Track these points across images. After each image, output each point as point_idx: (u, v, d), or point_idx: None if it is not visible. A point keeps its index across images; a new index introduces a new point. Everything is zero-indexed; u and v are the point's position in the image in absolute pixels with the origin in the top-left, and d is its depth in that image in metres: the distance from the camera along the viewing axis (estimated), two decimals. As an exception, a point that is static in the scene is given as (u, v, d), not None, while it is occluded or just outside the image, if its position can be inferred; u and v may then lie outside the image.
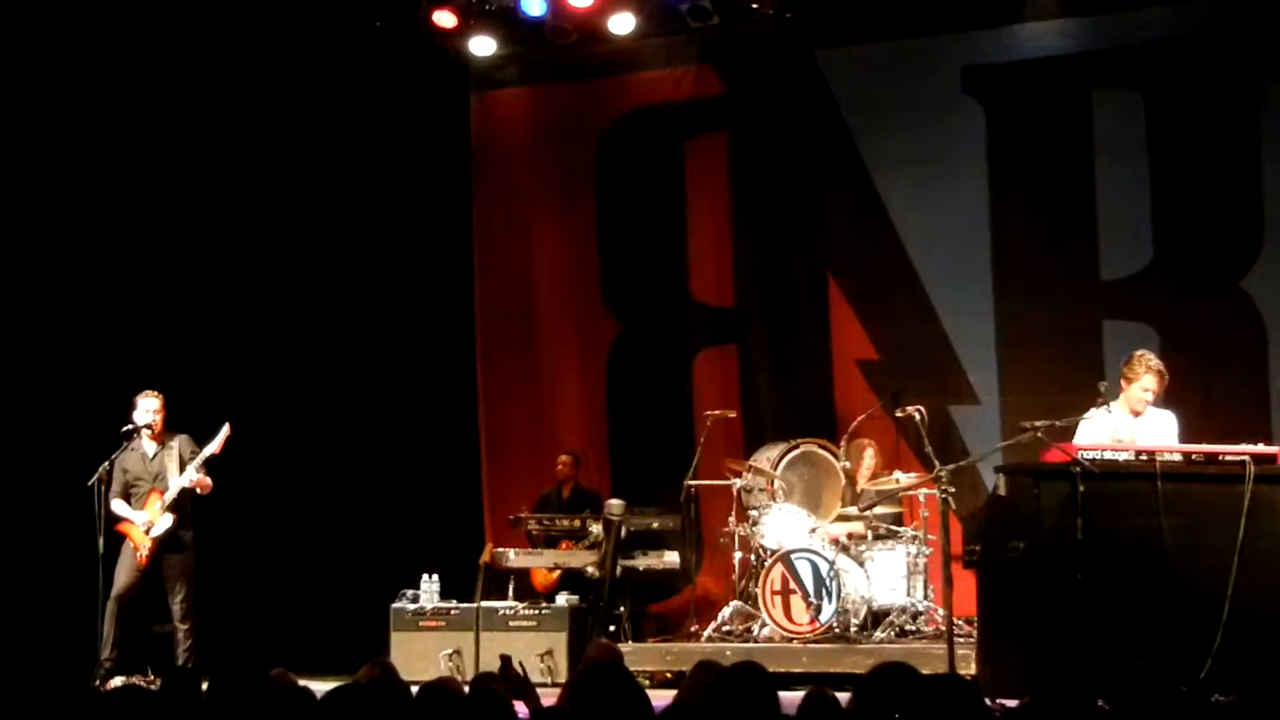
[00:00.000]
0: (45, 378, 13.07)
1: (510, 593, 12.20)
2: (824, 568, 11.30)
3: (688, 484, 12.15)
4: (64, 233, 13.17)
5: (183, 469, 11.23)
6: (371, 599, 12.25)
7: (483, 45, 14.00)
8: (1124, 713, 4.88)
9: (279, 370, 13.68)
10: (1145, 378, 9.62)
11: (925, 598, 11.45)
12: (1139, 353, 9.79)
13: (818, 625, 11.20)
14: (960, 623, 10.26)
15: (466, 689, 5.82)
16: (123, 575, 11.17)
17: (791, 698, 5.65)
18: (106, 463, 11.13)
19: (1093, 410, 9.50)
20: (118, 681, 10.43)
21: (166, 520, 11.22)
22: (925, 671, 5.60)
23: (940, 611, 10.54)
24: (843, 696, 5.49)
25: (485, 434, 14.25)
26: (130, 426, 11.28)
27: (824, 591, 11.25)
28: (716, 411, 12.62)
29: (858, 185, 13.22)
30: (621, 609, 11.97)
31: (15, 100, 12.85)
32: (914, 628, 11.34)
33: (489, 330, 14.37)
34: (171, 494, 11.22)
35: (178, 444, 11.34)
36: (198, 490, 11.27)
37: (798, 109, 13.46)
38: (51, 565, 12.25)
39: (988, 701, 7.50)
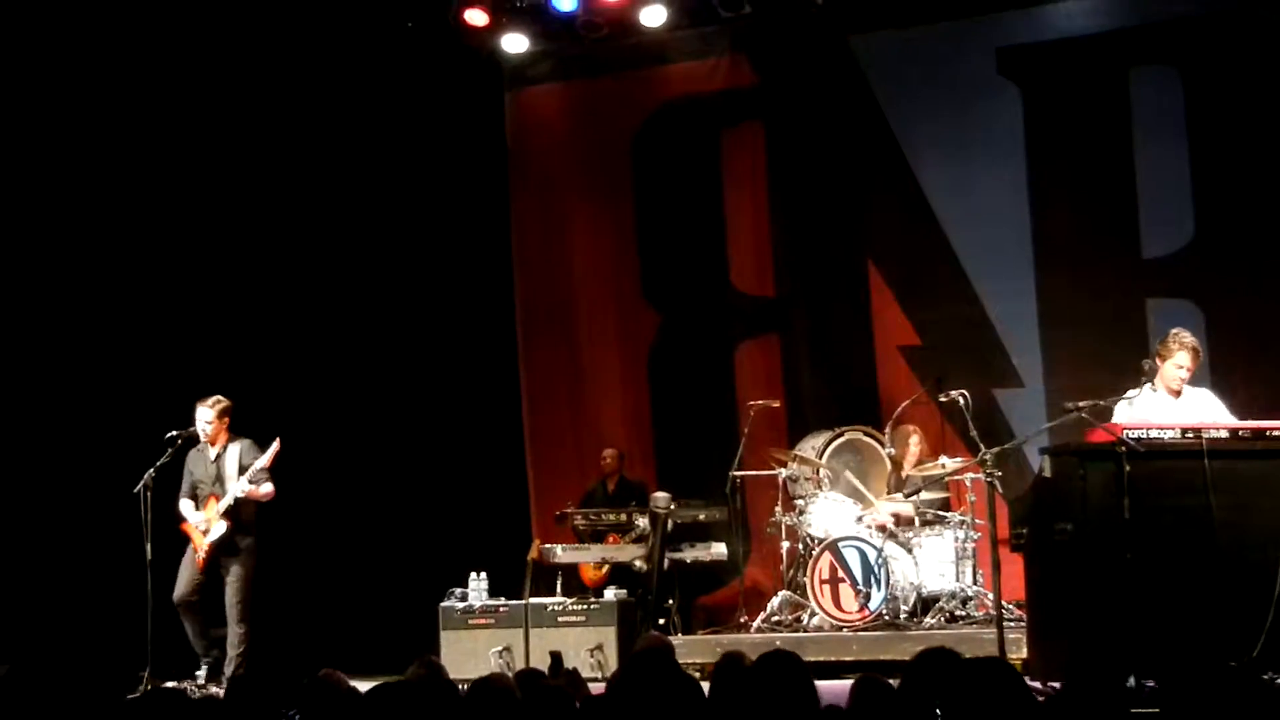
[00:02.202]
0: (102, 383, 13.19)
1: (558, 588, 12.22)
2: (872, 555, 11.29)
3: (733, 475, 12.14)
4: (121, 240, 13.32)
5: (240, 476, 11.30)
6: (420, 598, 12.28)
7: (515, 42, 14.01)
8: (1175, 691, 4.86)
9: (325, 373, 13.75)
10: (1179, 354, 9.52)
11: (974, 582, 11.41)
12: (1173, 330, 9.70)
13: (867, 613, 11.20)
14: (1010, 607, 10.24)
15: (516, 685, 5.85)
16: (183, 576, 11.32)
17: (842, 686, 5.65)
18: (152, 470, 11.13)
19: (1133, 390, 9.42)
20: (170, 685, 10.52)
21: (221, 526, 11.31)
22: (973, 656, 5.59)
23: (989, 596, 10.51)
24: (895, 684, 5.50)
25: (529, 430, 14.26)
26: (174, 433, 11.31)
27: (873, 579, 11.24)
28: (760, 401, 12.60)
29: (895, 170, 13.16)
30: (670, 602, 11.96)
31: (64, 104, 12.99)
32: (964, 613, 11.30)
33: (530, 327, 14.38)
34: (226, 501, 11.30)
35: (238, 450, 11.40)
36: (255, 499, 11.31)
37: (833, 95, 13.42)
38: (102, 571, 12.34)
39: (1038, 685, 7.57)
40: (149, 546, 11.00)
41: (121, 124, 13.20)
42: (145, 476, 11.10)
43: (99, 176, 13.26)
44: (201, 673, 11.14)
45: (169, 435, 11.32)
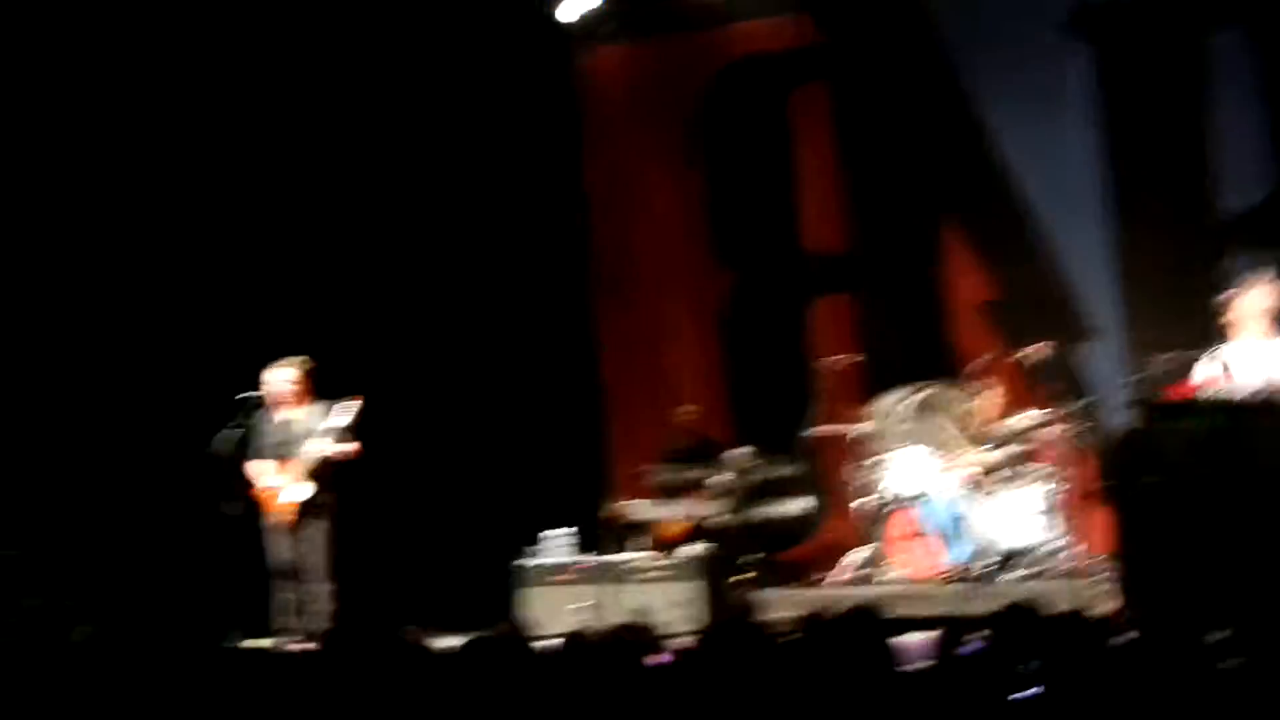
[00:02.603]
0: (185, 344, 13.25)
1: (639, 544, 12.21)
2: (953, 510, 11.27)
3: (811, 431, 12.12)
4: (200, 200, 13.35)
5: (322, 436, 11.27)
6: (500, 554, 12.26)
7: (582, 1, 13.98)
8: (1261, 645, 4.83)
9: (404, 334, 13.69)
10: (1254, 297, 9.41)
11: (1057, 536, 11.30)
12: (1248, 276, 9.61)
13: (947, 568, 11.18)
14: (1095, 560, 10.20)
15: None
16: (275, 547, 11.29)
17: (922, 640, 5.72)
18: (229, 430, 11.17)
19: (1216, 345, 9.35)
20: (265, 643, 10.55)
21: (303, 489, 11.27)
22: (1061, 610, 5.65)
23: (1074, 550, 10.43)
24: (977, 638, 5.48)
25: (608, 388, 14.23)
26: (248, 394, 11.30)
27: (953, 534, 11.23)
28: (837, 357, 12.57)
29: (967, 126, 13.08)
30: (749, 558, 11.94)
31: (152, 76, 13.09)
32: (1047, 567, 11.20)
33: (605, 284, 14.36)
34: (309, 462, 11.26)
35: (319, 411, 11.36)
36: (338, 458, 11.29)
37: (902, 53, 13.32)
38: (187, 531, 12.39)
39: (1124, 638, 7.52)
40: (229, 507, 11.06)
41: (203, 93, 13.29)
42: (224, 437, 11.15)
43: (182, 140, 13.32)
44: (278, 639, 11.06)
45: (243, 395, 11.30)
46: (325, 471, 11.33)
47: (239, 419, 11.26)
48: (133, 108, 13.14)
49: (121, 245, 13.25)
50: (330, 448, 11.23)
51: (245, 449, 11.27)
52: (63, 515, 12.87)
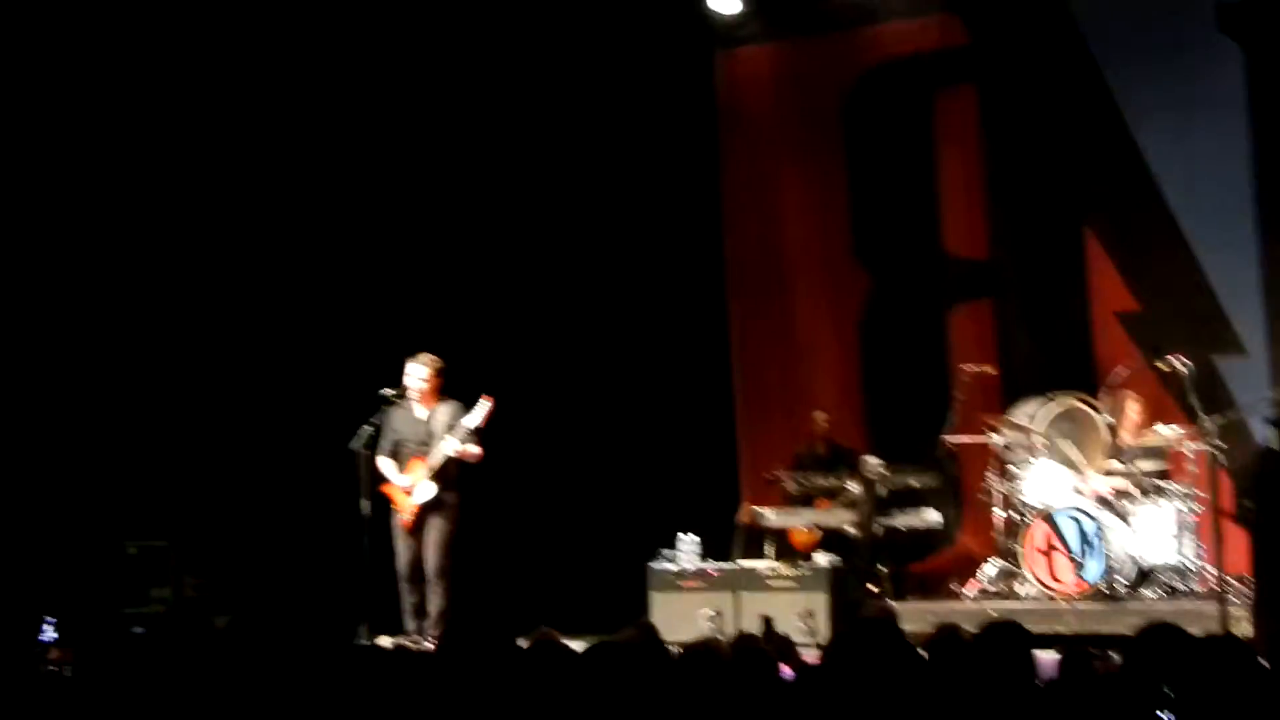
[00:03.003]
0: (320, 339, 13.45)
1: (769, 552, 12.17)
2: (1089, 525, 11.13)
3: (946, 441, 12.00)
4: (339, 197, 13.58)
5: (448, 436, 11.25)
6: (629, 559, 12.27)
7: (726, 2, 13.98)
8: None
9: (534, 333, 13.79)
10: None
11: (1195, 555, 11.16)
12: None
13: (1083, 585, 11.05)
14: (1233, 581, 10.01)
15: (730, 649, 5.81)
16: (401, 548, 11.32)
17: (1051, 658, 5.63)
18: (367, 426, 11.22)
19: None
20: (385, 641, 10.58)
21: (429, 488, 11.28)
22: (1196, 632, 5.50)
23: (1211, 569, 10.23)
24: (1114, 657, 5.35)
25: (740, 391, 14.20)
26: (388, 391, 11.33)
27: (1089, 550, 11.08)
28: (973, 366, 12.44)
29: (1113, 132, 12.86)
30: (881, 569, 11.85)
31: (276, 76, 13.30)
32: (1184, 587, 11.09)
33: (740, 287, 14.34)
34: (434, 461, 11.27)
35: (447, 411, 11.35)
36: (464, 459, 11.30)
37: (1048, 54, 13.16)
38: (319, 528, 12.55)
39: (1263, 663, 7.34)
40: (365, 503, 11.12)
41: (354, 87, 13.51)
42: (362, 433, 11.20)
43: (319, 134, 13.53)
44: (408, 640, 11.07)
45: (382, 392, 11.33)
46: (451, 472, 11.36)
47: (377, 415, 11.33)
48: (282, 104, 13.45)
49: (270, 242, 13.53)
50: (456, 448, 11.23)
51: (378, 445, 11.36)
52: (207, 508, 13.18)
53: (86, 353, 13.08)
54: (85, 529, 12.76)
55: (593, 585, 12.44)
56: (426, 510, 11.32)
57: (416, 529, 11.32)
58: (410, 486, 11.33)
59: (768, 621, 10.57)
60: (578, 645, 5.89)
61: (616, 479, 13.62)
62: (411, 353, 11.51)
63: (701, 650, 5.72)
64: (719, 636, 10.47)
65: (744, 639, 6.72)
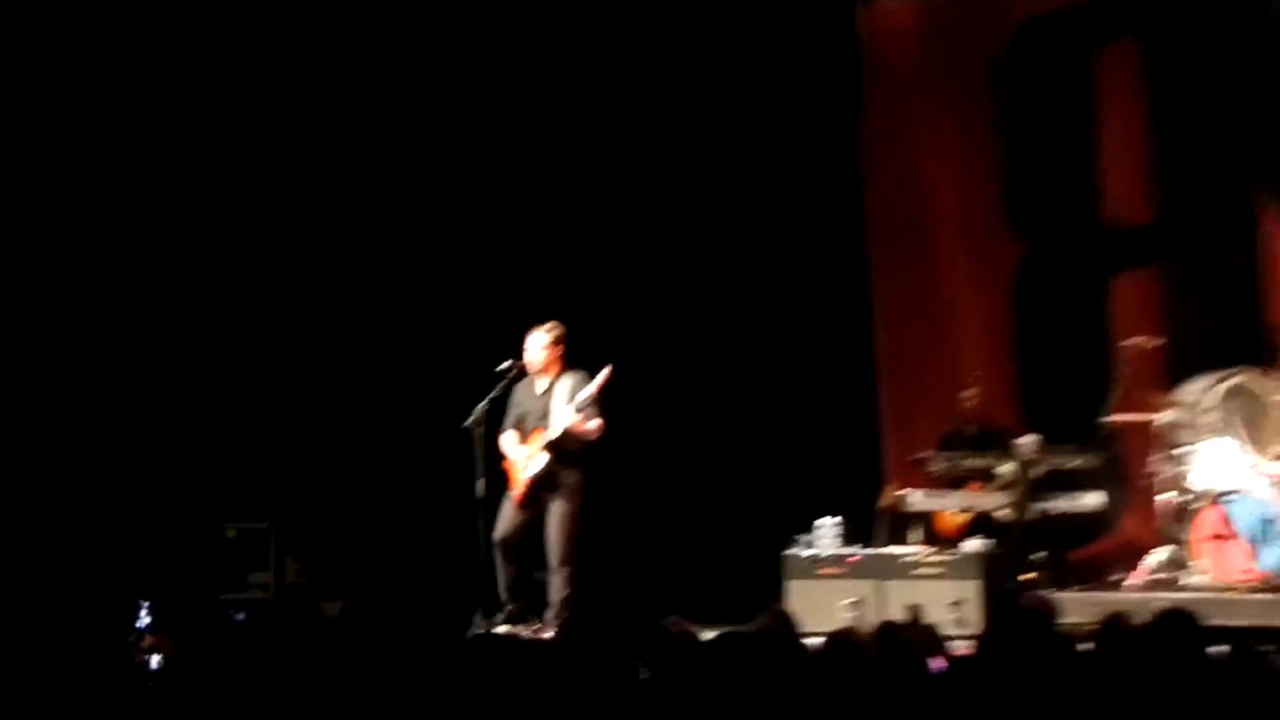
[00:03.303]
0: (436, 311, 13.58)
1: (915, 538, 12.09)
2: (1264, 511, 10.96)
3: (1107, 420, 11.86)
4: (456, 167, 13.73)
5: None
6: (764, 544, 12.17)
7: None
8: None
9: (660, 302, 13.79)
10: None
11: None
12: None
13: (1257, 574, 10.90)
14: None
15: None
16: (503, 517, 11.37)
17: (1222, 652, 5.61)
18: (484, 403, 11.30)
19: None
20: (501, 629, 10.76)
21: (542, 460, 11.29)
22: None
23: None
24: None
25: (883, 366, 14.08)
26: (506, 365, 11.40)
27: (1264, 537, 10.90)
28: (1137, 339, 12.27)
29: (1284, 85, 12.73)
30: (1038, 556, 11.74)
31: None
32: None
33: (882, 255, 14.19)
34: (551, 434, 11.28)
35: (569, 383, 11.36)
36: (580, 433, 11.29)
37: (1216, 7, 12.99)
38: (431, 511, 12.73)
39: None
40: (480, 484, 11.23)
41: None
42: (476, 411, 11.28)
43: (433, 94, 13.69)
44: (499, 617, 11.20)
45: (501, 366, 11.41)
46: (570, 447, 11.33)
47: (496, 390, 11.42)
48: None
49: (387, 207, 13.76)
50: (572, 420, 11.20)
51: (498, 421, 11.47)
52: (311, 488, 13.36)
53: (187, 325, 13.34)
54: (181, 510, 13.00)
55: (725, 572, 12.42)
56: (545, 489, 11.33)
57: (529, 504, 11.35)
58: (524, 458, 11.37)
59: (913, 612, 10.47)
60: (708, 635, 5.88)
61: (751, 458, 13.59)
62: (533, 324, 11.56)
63: (843, 641, 5.74)
64: (860, 628, 10.50)
65: (888, 629, 6.60)
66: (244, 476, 13.20)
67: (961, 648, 7.28)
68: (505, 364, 11.44)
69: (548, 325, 11.45)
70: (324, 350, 13.66)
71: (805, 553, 11.98)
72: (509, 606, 11.26)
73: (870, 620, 10.73)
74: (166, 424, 13.16)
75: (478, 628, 10.85)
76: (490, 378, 11.46)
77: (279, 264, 13.58)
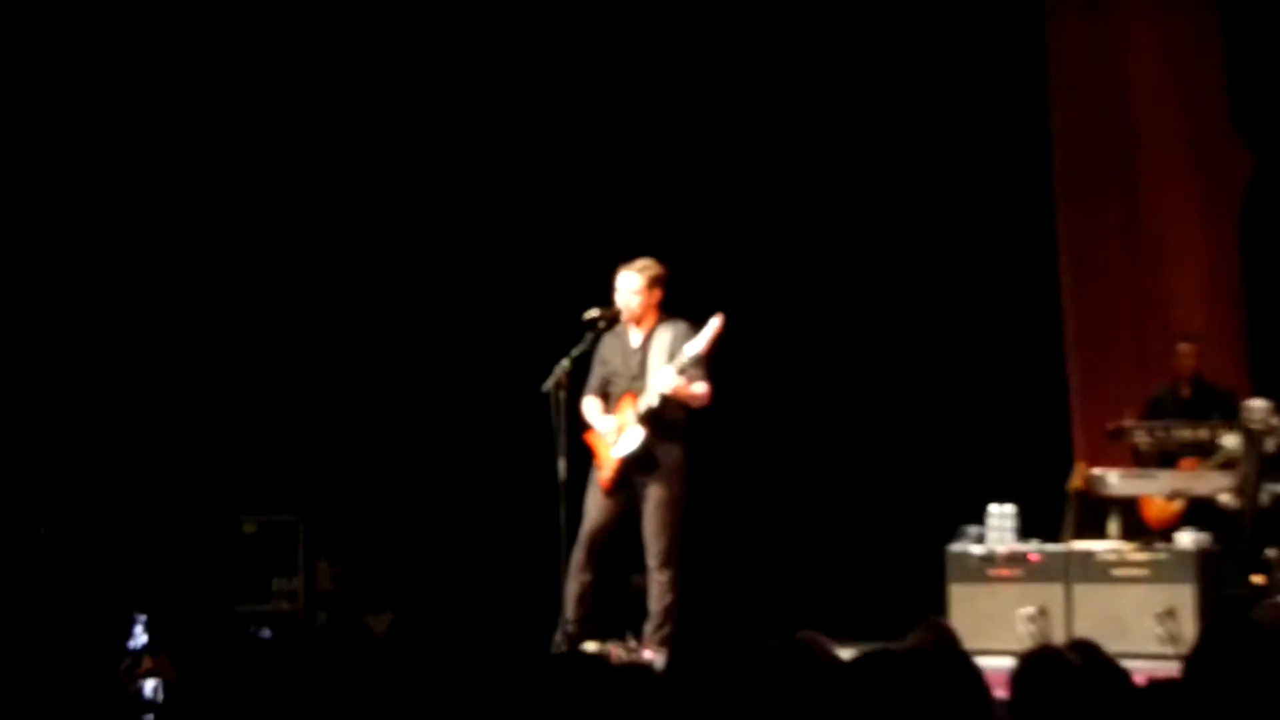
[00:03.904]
0: (508, 250, 14.04)
1: (1112, 530, 11.99)
2: None
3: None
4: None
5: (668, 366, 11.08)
6: (922, 539, 12.25)
7: None
8: None
9: (801, 239, 13.94)
10: None
11: None
12: None
13: None
14: None
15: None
16: (591, 507, 11.19)
17: None
18: (565, 360, 11.10)
19: None
20: (589, 648, 10.67)
21: (636, 434, 11.06)
22: None
23: None
24: None
25: (1072, 315, 14.06)
26: (594, 313, 11.23)
27: None
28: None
29: None
30: (1271, 552, 11.51)
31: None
32: None
33: (1073, 181, 14.23)
34: (647, 401, 11.06)
35: (668, 336, 11.16)
36: (684, 399, 11.08)
37: None
38: (501, 498, 13.01)
39: None
40: (562, 464, 11.02)
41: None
42: (557, 370, 11.05)
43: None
44: (563, 638, 11.15)
45: (589, 315, 11.22)
46: (670, 417, 11.12)
47: (582, 345, 11.25)
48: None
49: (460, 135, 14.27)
50: (672, 383, 10.98)
51: (583, 383, 11.38)
52: (350, 472, 13.64)
53: (203, 295, 13.82)
54: (187, 499, 13.13)
55: (870, 573, 12.60)
56: (638, 471, 11.12)
57: (619, 489, 11.15)
58: (613, 431, 11.18)
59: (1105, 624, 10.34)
60: (848, 654, 5.82)
61: (902, 433, 13.72)
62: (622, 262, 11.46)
63: (1040, 660, 5.69)
64: (1043, 644, 10.38)
65: (1085, 647, 6.42)
66: (265, 458, 13.37)
67: (1169, 670, 7.03)
68: (593, 312, 11.24)
69: (641, 263, 11.25)
70: (363, 303, 14.00)
71: (973, 549, 11.95)
72: (570, 622, 11.14)
73: (1055, 637, 10.98)
74: (168, 396, 13.42)
75: (561, 645, 10.88)
76: (574, 328, 11.32)
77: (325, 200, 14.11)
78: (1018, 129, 14.08)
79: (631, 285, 11.19)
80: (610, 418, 11.20)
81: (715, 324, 10.90)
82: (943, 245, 13.99)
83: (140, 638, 9.76)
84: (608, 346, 11.31)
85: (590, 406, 11.34)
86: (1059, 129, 14.25)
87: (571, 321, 11.36)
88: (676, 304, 11.39)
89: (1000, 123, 14.03)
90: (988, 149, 13.99)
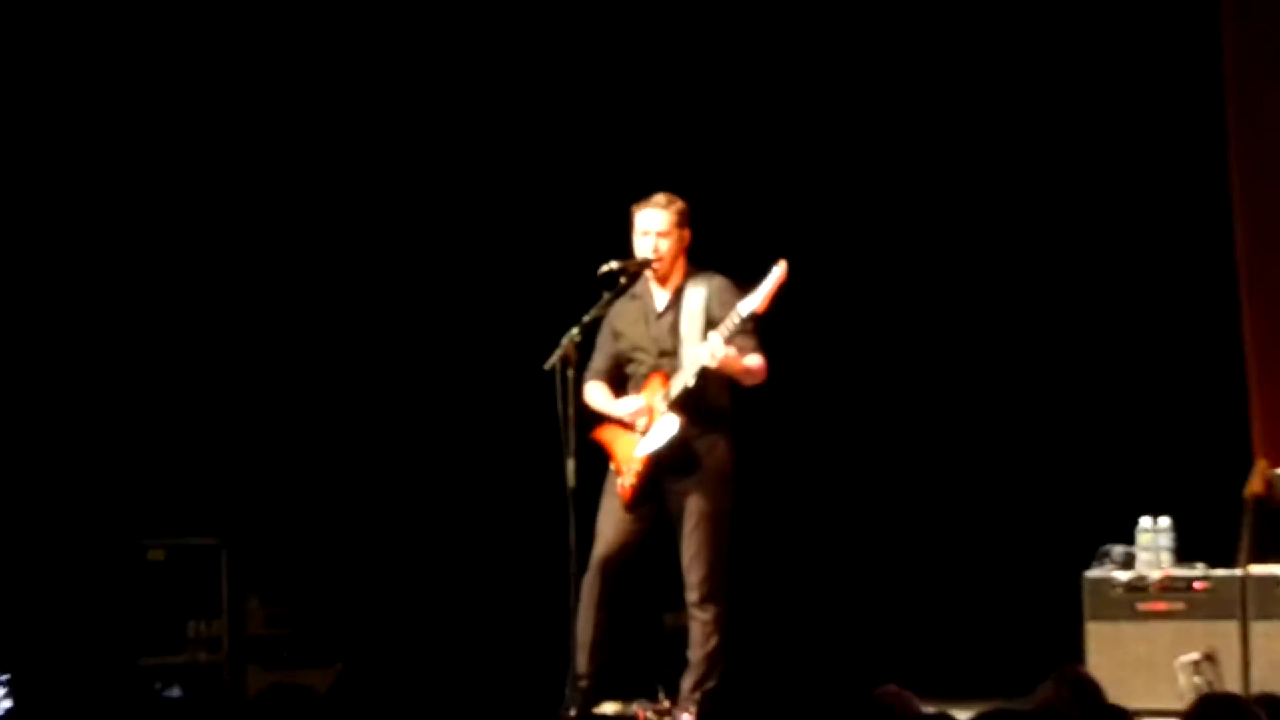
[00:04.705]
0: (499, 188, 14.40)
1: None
2: None
3: None
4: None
5: (707, 335, 10.80)
6: (1054, 562, 12.27)
7: None
8: None
9: (929, 209, 14.34)
10: None
11: None
12: None
13: None
14: None
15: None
16: (607, 525, 10.98)
17: None
18: (574, 329, 10.85)
19: None
20: (609, 710, 10.81)
21: (669, 424, 10.84)
22: None
23: None
24: None
25: (1249, 286, 13.92)
26: (614, 266, 10.98)
27: None
28: None
29: None
30: None
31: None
32: None
33: (1252, 184, 14.24)
34: (685, 379, 10.81)
35: (703, 292, 10.98)
36: (733, 375, 10.87)
37: None
38: (495, 510, 13.23)
39: None
40: (570, 467, 10.79)
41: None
42: (564, 342, 10.82)
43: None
44: (576, 698, 10.99)
45: (607, 268, 10.96)
46: (712, 402, 10.96)
47: (597, 308, 11.05)
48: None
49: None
50: (719, 353, 10.72)
51: (597, 353, 11.31)
52: (285, 481, 13.92)
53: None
54: (74, 519, 13.13)
55: (983, 611, 12.87)
56: (672, 474, 10.91)
57: (644, 501, 10.95)
58: (637, 419, 10.97)
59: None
60: (963, 716, 5.74)
61: (1027, 427, 13.84)
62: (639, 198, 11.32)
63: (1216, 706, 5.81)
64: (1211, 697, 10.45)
65: (1273, 705, 6.41)
66: (177, 464, 13.56)
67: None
68: (613, 264, 10.99)
69: (662, 197, 11.07)
70: (297, 266, 14.36)
71: (1119, 575, 11.91)
72: (582, 676, 11.04)
73: (1225, 685, 11.25)
74: (52, 391, 13.63)
75: (571, 708, 10.74)
76: (586, 289, 11.15)
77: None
78: (1188, 108, 14.28)
79: (658, 223, 10.98)
80: (633, 400, 10.97)
81: (777, 273, 10.62)
82: (1091, 219, 14.23)
83: (1, 703, 9.74)
84: (621, 314, 11.16)
85: (596, 393, 11.19)
86: (1237, 141, 14.24)
87: (575, 283, 11.34)
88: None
89: (1171, 102, 14.26)
90: (1155, 130, 14.26)
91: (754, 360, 10.77)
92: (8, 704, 9.60)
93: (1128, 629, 11.68)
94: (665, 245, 10.93)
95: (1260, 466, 11.96)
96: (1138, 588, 11.76)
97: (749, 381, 10.87)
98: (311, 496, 13.53)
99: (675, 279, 11.03)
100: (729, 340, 10.65)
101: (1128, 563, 11.91)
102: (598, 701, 10.89)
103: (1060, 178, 14.59)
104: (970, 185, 14.63)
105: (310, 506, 13.49)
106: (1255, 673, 11.19)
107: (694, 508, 10.85)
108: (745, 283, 10.95)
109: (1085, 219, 14.51)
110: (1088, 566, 11.92)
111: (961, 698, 8.35)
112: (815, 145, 14.54)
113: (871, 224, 14.40)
